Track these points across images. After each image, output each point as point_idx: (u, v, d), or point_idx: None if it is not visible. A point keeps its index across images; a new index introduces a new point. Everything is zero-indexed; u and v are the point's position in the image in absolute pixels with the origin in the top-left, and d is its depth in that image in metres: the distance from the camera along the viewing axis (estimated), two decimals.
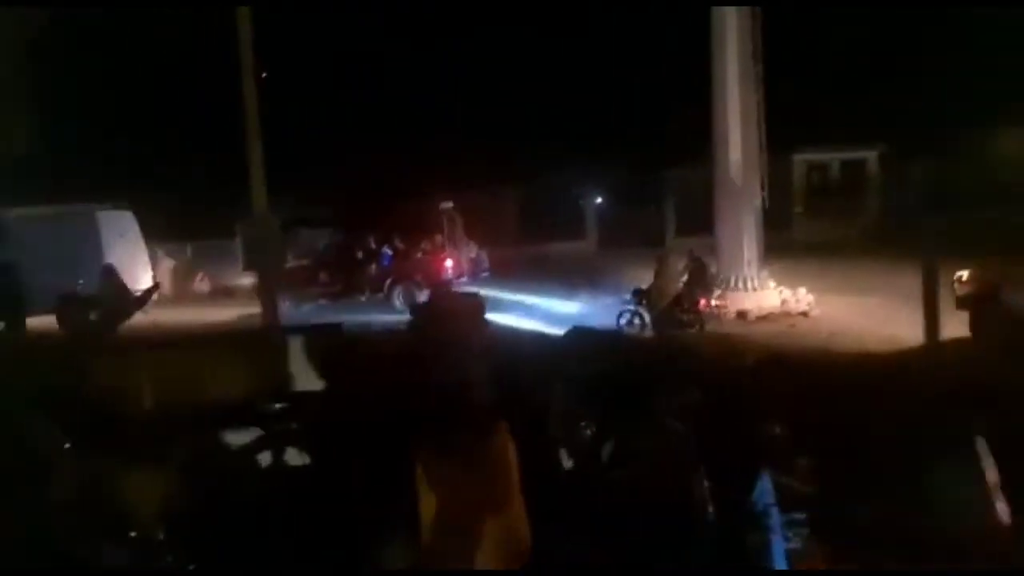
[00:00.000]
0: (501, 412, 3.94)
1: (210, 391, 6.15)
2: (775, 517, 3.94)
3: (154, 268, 22.13)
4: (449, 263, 18.65)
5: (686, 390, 4.67)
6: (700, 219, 21.24)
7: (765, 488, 4.01)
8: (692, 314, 14.99)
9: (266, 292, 11.66)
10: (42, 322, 16.22)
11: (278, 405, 5.95)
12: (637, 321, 15.08)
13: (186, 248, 27.46)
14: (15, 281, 14.71)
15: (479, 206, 34.13)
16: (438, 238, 19.06)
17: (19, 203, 20.26)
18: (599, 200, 34.22)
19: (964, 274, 12.20)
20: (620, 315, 15.26)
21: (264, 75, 13.77)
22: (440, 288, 8.40)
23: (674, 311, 14.73)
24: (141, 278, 18.31)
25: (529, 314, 16.62)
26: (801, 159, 31.46)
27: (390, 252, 19.04)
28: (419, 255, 18.93)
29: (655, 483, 4.44)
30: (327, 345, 6.01)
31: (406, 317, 15.35)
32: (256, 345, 6.59)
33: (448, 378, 5.04)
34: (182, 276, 26.35)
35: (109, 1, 25.93)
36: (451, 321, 7.20)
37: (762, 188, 18.10)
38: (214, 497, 5.28)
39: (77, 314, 14.66)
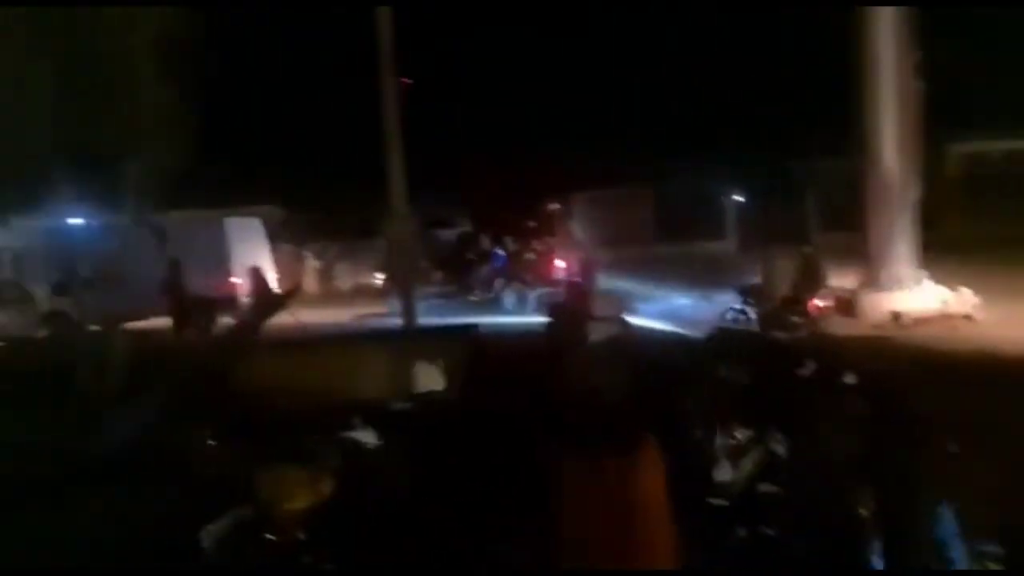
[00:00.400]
0: (647, 424, 3.53)
1: (349, 391, 6.20)
2: (958, 549, 3.47)
3: (300, 268, 22.95)
4: (560, 264, 18.55)
5: (851, 402, 4.23)
6: (849, 214, 20.11)
7: (944, 515, 3.56)
8: (800, 315, 13.84)
9: (403, 291, 11.77)
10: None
11: (414, 405, 5.92)
12: (743, 319, 14.28)
13: (330, 249, 28.42)
14: (179, 281, 15.34)
15: (614, 205, 33.94)
16: (549, 239, 19.02)
17: (180, 207, 21.39)
18: (740, 197, 33.14)
19: None
20: (726, 312, 14.59)
21: (407, 79, 13.97)
22: (575, 287, 8.16)
23: (782, 311, 13.67)
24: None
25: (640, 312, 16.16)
26: (960, 150, 29.32)
27: (503, 253, 19.09)
28: (530, 256, 18.91)
29: (813, 504, 4.05)
30: (463, 346, 5.94)
31: (516, 319, 15.18)
32: (393, 345, 6.58)
33: (585, 383, 4.79)
34: (325, 276, 27.29)
35: (257, 4, 27.15)
36: (587, 321, 6.97)
37: (917, 181, 16.92)
38: (354, 497, 5.26)
39: (201, 316, 15.27)
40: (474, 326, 6.86)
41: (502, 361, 6.58)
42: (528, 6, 32.95)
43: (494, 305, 17.88)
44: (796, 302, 13.87)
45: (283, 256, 26.67)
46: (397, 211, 12.94)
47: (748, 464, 4.63)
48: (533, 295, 17.53)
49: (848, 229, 18.21)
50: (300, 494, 5.03)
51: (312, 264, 26.89)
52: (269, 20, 28.87)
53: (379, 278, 21.93)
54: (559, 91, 33.96)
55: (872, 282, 16.55)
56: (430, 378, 5.82)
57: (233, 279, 18.11)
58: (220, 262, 18.22)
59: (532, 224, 19.49)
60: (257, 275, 9.08)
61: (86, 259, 14.60)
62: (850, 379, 4.73)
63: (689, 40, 32.57)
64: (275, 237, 29.95)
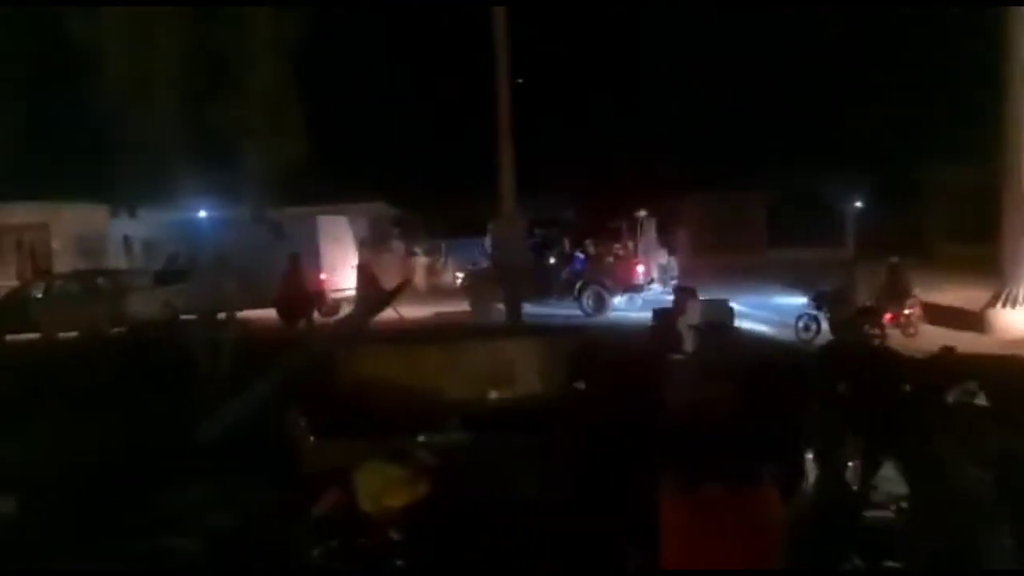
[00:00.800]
0: (762, 449, 3.27)
1: (454, 389, 6.15)
2: None
3: (409, 265, 23.40)
4: (640, 268, 18.74)
5: (986, 430, 3.87)
6: (975, 225, 18.98)
7: None
8: (875, 326, 13.06)
9: (510, 289, 11.71)
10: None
11: (517, 405, 5.82)
12: (813, 326, 13.73)
13: (438, 245, 28.78)
14: (298, 274, 15.71)
15: (726, 211, 33.14)
16: (630, 244, 19.15)
17: (299, 203, 22.06)
18: (858, 204, 31.84)
19: None
20: (798, 319, 14.09)
21: (520, 80, 13.96)
22: (685, 291, 7.93)
23: (856, 322, 13.00)
24: (346, 278, 19.73)
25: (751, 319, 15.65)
26: None
27: (582, 256, 19.23)
28: (610, 259, 19.09)
29: (936, 535, 3.73)
30: (571, 347, 5.80)
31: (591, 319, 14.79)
32: (498, 344, 6.49)
33: (697, 394, 4.58)
34: (434, 272, 27.64)
35: (377, 7, 27.77)
36: (696, 328, 6.72)
37: None
38: (453, 499, 5.18)
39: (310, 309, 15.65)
40: (585, 328, 6.71)
41: (612, 364, 6.40)
42: (641, 10, 32.46)
43: (573, 306, 18.06)
44: (874, 312, 13.45)
45: (393, 253, 27.27)
46: (503, 209, 12.90)
47: (866, 487, 4.34)
48: (614, 298, 17.96)
49: (977, 241, 17.16)
50: (398, 492, 5.00)
51: (421, 261, 27.29)
52: (385, 17, 29.46)
53: (460, 276, 22.43)
54: (672, 93, 33.46)
55: (1005, 297, 15.54)
56: (539, 378, 5.72)
57: (322, 275, 18.89)
58: (314, 258, 18.90)
59: (615, 228, 19.55)
60: (365, 271, 9.18)
61: (206, 250, 15.09)
62: (980, 400, 4.39)
63: (810, 44, 31.50)
64: (385, 234, 30.72)
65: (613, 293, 18.03)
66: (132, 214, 19.25)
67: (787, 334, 14.32)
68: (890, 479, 4.40)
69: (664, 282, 19.60)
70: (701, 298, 7.44)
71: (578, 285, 18.31)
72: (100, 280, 19.05)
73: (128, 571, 4.62)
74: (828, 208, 31.65)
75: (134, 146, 11.43)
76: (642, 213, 19.97)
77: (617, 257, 19.14)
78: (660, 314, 7.81)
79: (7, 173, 29.44)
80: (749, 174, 31.04)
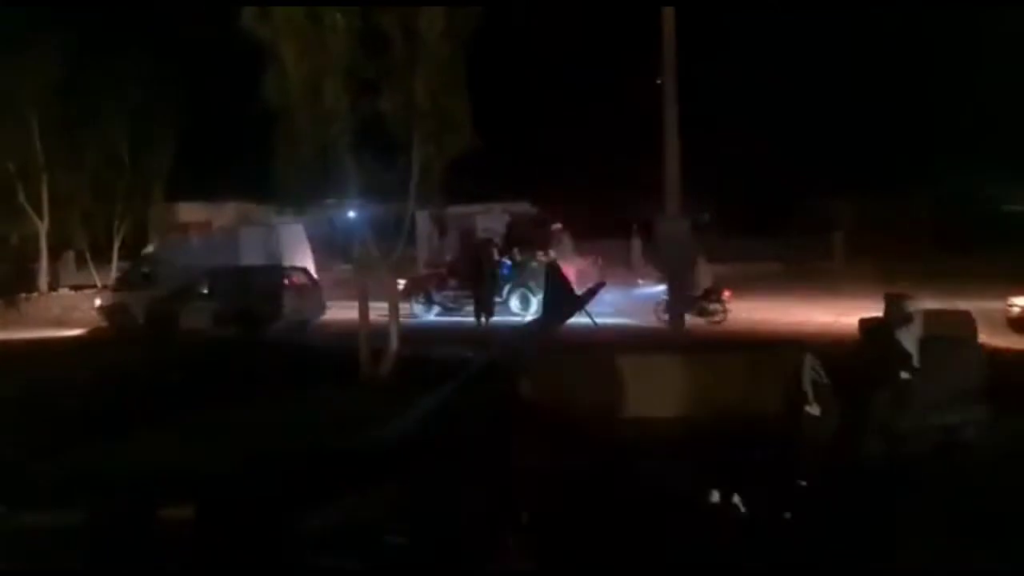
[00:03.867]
0: None
1: (652, 404, 5.58)
2: None
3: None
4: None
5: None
6: None
7: None
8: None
9: (676, 290, 11.09)
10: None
11: (736, 429, 5.23)
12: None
13: (586, 248, 28.22)
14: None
15: (883, 214, 31.06)
16: (551, 252, 21.33)
17: (457, 202, 22.45)
18: None
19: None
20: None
21: (659, 81, 13.44)
22: (897, 298, 7.06)
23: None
24: None
25: None
26: None
27: (508, 262, 21.55)
28: (534, 265, 21.18)
29: None
30: (793, 362, 5.16)
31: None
32: (705, 358, 5.91)
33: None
34: (586, 275, 27.14)
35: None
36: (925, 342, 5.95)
37: None
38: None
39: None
40: (800, 342, 6.07)
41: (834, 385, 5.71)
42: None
43: (503, 307, 20.38)
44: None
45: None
46: (670, 209, 12.31)
47: None
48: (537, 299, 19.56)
49: None
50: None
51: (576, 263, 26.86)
52: (549, 16, 29.27)
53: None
54: (842, 93, 31.71)
55: None
56: (757, 396, 5.15)
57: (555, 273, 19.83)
58: None
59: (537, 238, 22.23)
60: (556, 271, 8.69)
61: (368, 245, 15.10)
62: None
63: (976, 38, 29.19)
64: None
65: (536, 295, 19.64)
66: (300, 212, 19.77)
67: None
68: None
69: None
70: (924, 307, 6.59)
71: (507, 288, 20.82)
72: (258, 276, 19.46)
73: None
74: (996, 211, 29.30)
75: (302, 143, 11.59)
76: (557, 226, 23.27)
77: (539, 263, 20.89)
78: (870, 325, 7.00)
79: (178, 174, 31.38)
80: (915, 174, 29.09)
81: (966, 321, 5.80)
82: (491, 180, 26.83)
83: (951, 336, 6.00)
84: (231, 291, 18.53)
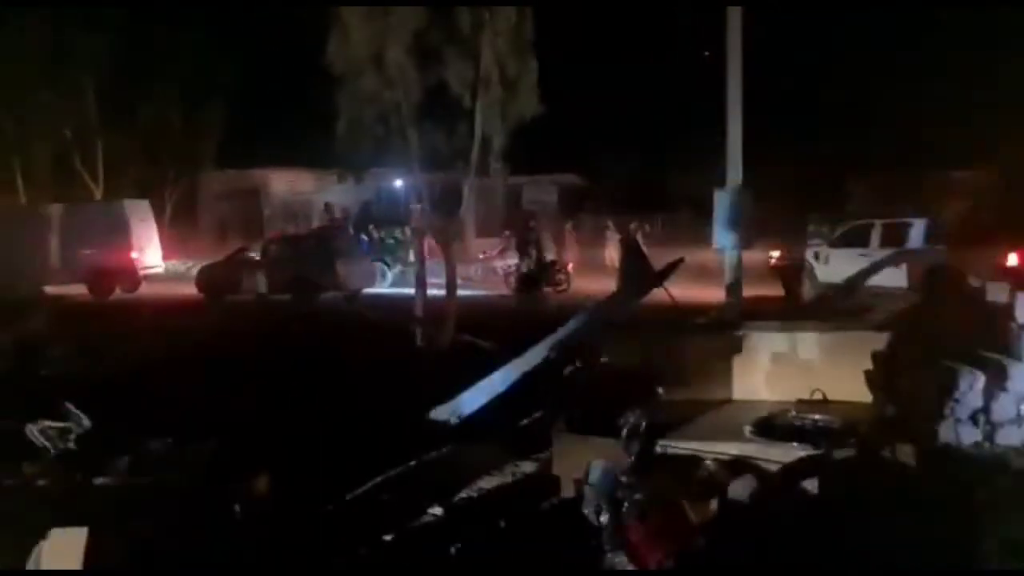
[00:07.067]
0: None
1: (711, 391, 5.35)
2: None
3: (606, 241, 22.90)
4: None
5: None
6: None
7: None
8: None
9: (735, 270, 10.73)
10: None
11: (813, 417, 4.98)
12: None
13: (632, 220, 27.76)
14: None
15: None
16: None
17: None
18: None
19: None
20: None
21: (707, 53, 13.14)
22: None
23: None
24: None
25: None
26: None
27: (365, 238, 22.50)
28: (390, 241, 23.23)
29: None
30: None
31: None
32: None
33: None
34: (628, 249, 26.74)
35: None
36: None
37: None
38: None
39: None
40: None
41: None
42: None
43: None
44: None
45: (584, 227, 26.58)
46: (731, 179, 11.92)
47: None
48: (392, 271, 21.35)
49: None
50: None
51: (613, 236, 26.36)
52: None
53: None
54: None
55: None
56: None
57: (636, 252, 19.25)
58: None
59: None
60: (632, 247, 8.44)
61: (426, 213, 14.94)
62: None
63: None
64: (577, 207, 30.13)
65: (393, 268, 21.44)
66: (359, 180, 19.60)
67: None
68: None
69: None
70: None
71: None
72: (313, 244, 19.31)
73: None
74: None
75: (364, 108, 11.46)
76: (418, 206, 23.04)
77: (396, 240, 23.28)
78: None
79: (227, 142, 31.51)
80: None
81: None
82: (543, 150, 26.46)
83: None
84: (285, 259, 18.46)
